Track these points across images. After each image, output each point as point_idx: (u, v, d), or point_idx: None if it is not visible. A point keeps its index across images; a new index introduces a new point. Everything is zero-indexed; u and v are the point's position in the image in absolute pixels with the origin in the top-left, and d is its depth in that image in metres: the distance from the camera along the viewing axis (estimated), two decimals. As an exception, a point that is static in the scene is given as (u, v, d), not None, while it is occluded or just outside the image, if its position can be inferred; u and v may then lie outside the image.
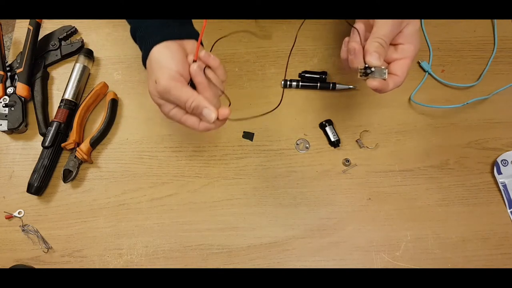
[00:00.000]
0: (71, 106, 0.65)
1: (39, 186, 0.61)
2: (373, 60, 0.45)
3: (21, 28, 0.72)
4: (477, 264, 0.59)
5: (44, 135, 0.63)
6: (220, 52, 0.70)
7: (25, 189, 0.61)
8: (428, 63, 0.70)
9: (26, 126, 0.66)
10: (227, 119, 0.46)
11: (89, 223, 0.62)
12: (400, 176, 0.64)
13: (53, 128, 0.63)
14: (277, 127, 0.66)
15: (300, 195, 0.63)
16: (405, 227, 0.61)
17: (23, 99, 0.65)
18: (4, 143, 0.66)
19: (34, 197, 0.62)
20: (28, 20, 0.68)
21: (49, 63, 0.69)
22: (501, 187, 0.63)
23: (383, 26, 0.46)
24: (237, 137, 0.66)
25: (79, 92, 0.67)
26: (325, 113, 0.67)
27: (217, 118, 0.45)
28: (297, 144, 0.65)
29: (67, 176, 0.62)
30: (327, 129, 0.65)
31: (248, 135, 0.66)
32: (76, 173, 0.63)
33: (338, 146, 0.65)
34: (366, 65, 0.46)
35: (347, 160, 0.64)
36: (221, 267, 0.59)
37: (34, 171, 0.62)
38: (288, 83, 0.68)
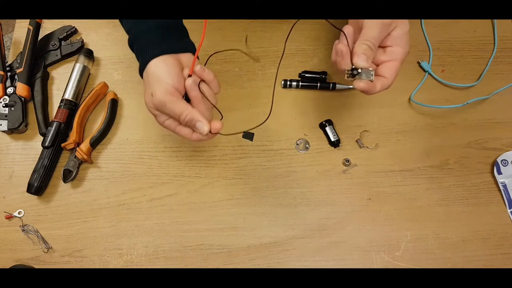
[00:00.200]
0: (71, 106, 0.65)
1: (39, 186, 0.61)
2: (360, 61, 0.46)
3: (21, 28, 0.72)
4: (477, 264, 0.59)
5: (44, 135, 0.63)
6: (220, 52, 0.70)
7: (25, 189, 0.61)
8: (428, 63, 0.70)
9: (26, 126, 0.66)
10: (219, 132, 0.48)
11: (89, 223, 0.62)
12: (400, 176, 0.64)
13: (53, 128, 0.63)
14: (277, 127, 0.66)
15: (300, 195, 0.63)
16: (405, 227, 0.61)
17: (23, 99, 0.65)
18: (4, 143, 0.66)
19: (34, 197, 0.62)
20: (28, 20, 0.68)
21: (49, 63, 0.69)
22: (501, 187, 0.63)
23: (372, 29, 0.47)
24: (237, 137, 0.66)
25: (79, 92, 0.67)
26: (325, 113, 0.67)
27: (209, 131, 0.47)
28: (297, 144, 0.65)
29: (67, 176, 0.62)
30: (327, 129, 0.65)
31: (248, 135, 0.66)
32: (76, 173, 0.63)
33: (338, 146, 0.65)
34: (353, 67, 0.46)
35: (347, 160, 0.64)
36: (221, 267, 0.59)
37: (34, 171, 0.62)
38: (288, 83, 0.68)
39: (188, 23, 0.54)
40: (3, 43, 0.68)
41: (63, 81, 0.68)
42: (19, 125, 0.64)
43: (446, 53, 0.71)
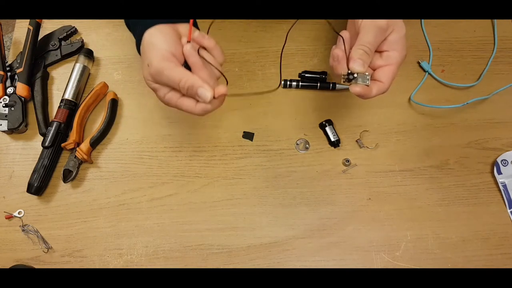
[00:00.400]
0: (71, 106, 0.65)
1: (39, 186, 0.61)
2: (356, 66, 0.46)
3: (21, 28, 0.72)
4: (477, 264, 0.59)
5: (44, 135, 0.63)
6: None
7: (25, 189, 0.61)
8: (428, 63, 0.70)
9: (26, 126, 0.66)
10: (225, 97, 0.44)
11: (89, 223, 0.62)
12: (400, 176, 0.64)
13: (53, 128, 0.63)
14: (277, 127, 0.66)
15: (300, 195, 0.63)
16: (405, 227, 0.61)
17: (23, 99, 0.65)
18: (4, 143, 0.66)
19: (34, 197, 0.62)
20: (28, 20, 0.68)
21: (49, 63, 0.69)
22: (501, 187, 0.63)
23: (368, 34, 0.47)
24: (237, 137, 0.66)
25: (79, 92, 0.67)
26: (325, 113, 0.67)
27: (214, 97, 0.43)
28: (297, 144, 0.65)
29: (67, 176, 0.62)
30: (327, 129, 0.65)
31: (248, 135, 0.66)
32: (76, 173, 0.63)
33: (338, 146, 0.65)
34: (349, 71, 0.46)
35: (347, 160, 0.64)
36: (221, 267, 0.59)
37: (34, 171, 0.62)
38: (288, 83, 0.68)
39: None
40: (3, 43, 0.68)
41: (63, 81, 0.68)
42: (19, 125, 0.64)
43: (446, 53, 0.71)
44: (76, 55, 0.69)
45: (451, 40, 0.72)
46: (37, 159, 0.62)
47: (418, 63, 0.70)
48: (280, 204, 0.62)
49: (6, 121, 0.64)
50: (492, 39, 0.72)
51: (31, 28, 0.67)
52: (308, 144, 0.65)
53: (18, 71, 0.66)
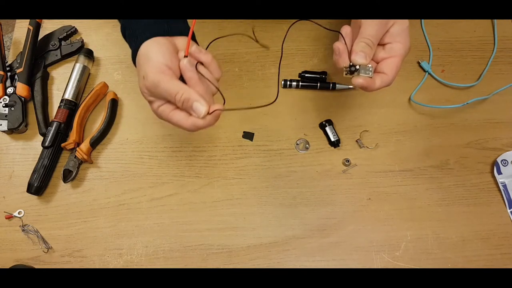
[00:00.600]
0: (71, 106, 0.65)
1: (39, 186, 0.61)
2: (358, 58, 0.46)
3: (21, 28, 0.72)
4: (477, 264, 0.59)
5: (44, 135, 0.63)
6: (220, 52, 0.70)
7: (25, 189, 0.61)
8: (428, 63, 0.70)
9: (26, 126, 0.66)
10: (219, 116, 0.43)
11: (89, 223, 0.62)
12: (400, 176, 0.64)
13: (53, 128, 0.63)
14: (277, 127, 0.66)
15: (300, 195, 0.63)
16: (405, 227, 0.61)
17: (23, 99, 0.65)
18: (4, 143, 0.66)
19: (34, 197, 0.62)
20: (28, 20, 0.68)
21: (49, 63, 0.69)
22: (501, 187, 0.63)
23: (369, 27, 0.47)
24: (237, 137, 0.66)
25: (79, 92, 0.67)
26: (325, 113, 0.67)
27: (208, 113, 0.42)
28: (297, 144, 0.65)
29: (67, 176, 0.62)
30: (327, 129, 0.65)
31: (248, 135, 0.66)
32: (76, 173, 0.63)
33: (338, 146, 0.65)
34: (351, 63, 0.47)
35: (347, 160, 0.64)
36: (221, 267, 0.59)
37: (34, 171, 0.62)
38: (288, 83, 0.68)
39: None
40: (3, 43, 0.68)
41: (63, 81, 0.68)
42: (19, 125, 0.64)
43: (446, 53, 0.71)
44: (76, 55, 0.69)
45: (451, 40, 0.72)
46: (37, 159, 0.62)
47: (418, 63, 0.70)
48: (280, 204, 0.62)
49: (6, 121, 0.64)
50: (492, 39, 0.72)
51: (31, 28, 0.67)
52: (308, 144, 0.65)
53: (18, 71, 0.66)
